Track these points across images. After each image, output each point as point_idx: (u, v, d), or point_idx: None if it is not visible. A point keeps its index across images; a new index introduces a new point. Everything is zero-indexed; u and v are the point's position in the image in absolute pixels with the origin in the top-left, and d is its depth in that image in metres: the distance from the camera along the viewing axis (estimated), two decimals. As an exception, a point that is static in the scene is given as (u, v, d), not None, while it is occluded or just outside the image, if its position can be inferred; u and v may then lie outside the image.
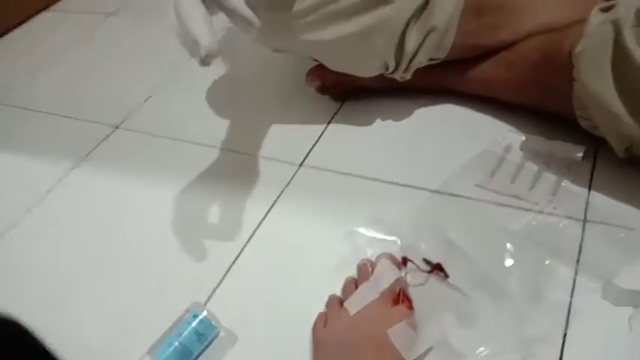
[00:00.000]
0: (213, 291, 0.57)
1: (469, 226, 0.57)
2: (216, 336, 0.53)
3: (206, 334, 0.52)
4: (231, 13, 0.46)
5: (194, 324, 0.51)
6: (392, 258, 0.51)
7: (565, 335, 0.46)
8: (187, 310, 0.53)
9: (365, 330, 0.46)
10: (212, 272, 0.59)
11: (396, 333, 0.44)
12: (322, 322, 0.49)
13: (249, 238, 0.61)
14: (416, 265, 0.52)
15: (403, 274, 0.49)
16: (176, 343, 0.50)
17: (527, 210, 0.57)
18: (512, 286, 0.50)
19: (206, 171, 0.71)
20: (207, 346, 0.52)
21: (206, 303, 0.56)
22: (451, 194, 0.60)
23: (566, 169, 0.60)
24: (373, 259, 0.52)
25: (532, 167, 0.61)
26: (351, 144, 0.70)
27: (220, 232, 0.64)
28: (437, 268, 0.52)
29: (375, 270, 0.50)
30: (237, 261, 0.60)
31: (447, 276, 0.51)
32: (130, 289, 0.60)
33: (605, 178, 0.58)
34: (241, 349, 0.52)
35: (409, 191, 0.62)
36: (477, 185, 0.61)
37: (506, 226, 0.56)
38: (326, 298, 0.52)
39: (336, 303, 0.51)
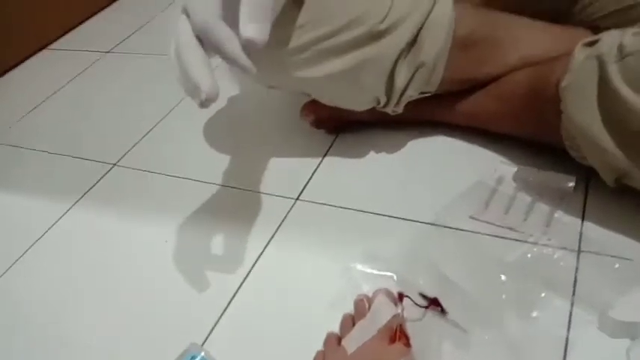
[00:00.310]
0: (211, 331, 0.57)
1: (464, 258, 0.57)
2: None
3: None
4: (231, 61, 0.47)
5: (192, 366, 0.51)
6: (388, 293, 0.51)
7: (563, 369, 0.46)
8: (185, 352, 0.53)
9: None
10: (209, 311, 0.59)
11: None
12: (320, 361, 0.49)
13: (246, 276, 0.62)
14: (412, 300, 0.52)
15: (400, 310, 0.49)
16: (174, 386, 0.50)
17: (521, 241, 0.57)
18: (509, 319, 0.51)
19: (203, 207, 0.72)
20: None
21: (203, 344, 0.56)
22: (445, 226, 0.61)
23: (558, 199, 0.60)
24: (370, 294, 0.52)
25: (525, 198, 0.61)
26: (346, 177, 0.71)
27: (217, 269, 0.64)
28: (433, 303, 0.52)
29: (372, 306, 0.50)
30: (235, 299, 0.60)
31: (444, 312, 0.51)
32: (124, 330, 0.59)
33: (598, 207, 0.58)
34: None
35: (404, 224, 0.62)
36: (470, 217, 0.61)
37: (501, 258, 0.56)
38: (323, 336, 0.52)
39: (334, 341, 0.51)
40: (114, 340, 0.59)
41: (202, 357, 0.52)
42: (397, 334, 0.47)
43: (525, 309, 0.51)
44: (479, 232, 0.59)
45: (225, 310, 0.59)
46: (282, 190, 0.71)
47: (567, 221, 0.58)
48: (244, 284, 0.61)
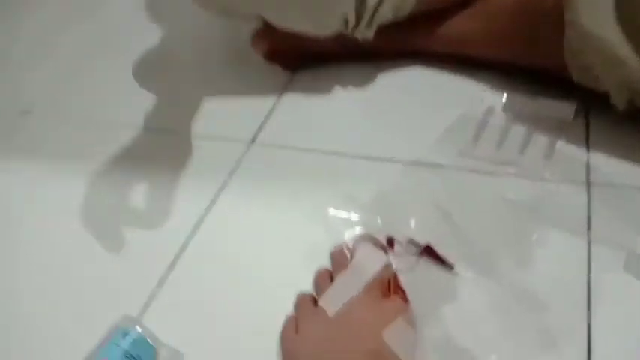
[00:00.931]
0: (149, 301, 0.45)
1: (457, 199, 0.48)
2: (154, 357, 0.41)
3: (141, 356, 0.40)
4: None
5: (124, 344, 0.39)
6: (374, 240, 0.42)
7: (589, 318, 0.38)
8: (115, 327, 0.40)
9: (351, 334, 0.35)
10: (147, 279, 0.47)
11: (394, 334, 0.34)
12: (292, 329, 0.39)
13: (192, 234, 0.50)
14: (404, 247, 0.42)
15: (391, 259, 0.40)
16: (101, 372, 0.38)
17: (520, 177, 0.49)
18: (517, 265, 0.42)
19: (139, 157, 0.59)
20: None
21: (140, 317, 0.44)
22: (432, 164, 0.51)
23: (557, 129, 0.52)
24: (350, 244, 0.42)
25: (519, 130, 0.53)
26: (310, 116, 0.60)
27: (156, 228, 0.52)
28: (427, 252, 0.43)
29: (355, 256, 0.40)
30: (178, 262, 0.48)
31: (442, 261, 0.42)
32: (42, 306, 0.46)
33: (603, 136, 0.51)
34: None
35: (383, 166, 0.52)
36: (460, 154, 0.52)
37: (500, 196, 0.47)
38: (293, 299, 0.41)
39: (309, 302, 0.40)
40: (26, 321, 0.45)
41: (138, 333, 0.40)
42: (391, 287, 0.38)
43: (535, 252, 0.43)
44: (472, 170, 0.50)
45: (166, 275, 0.47)
46: (233, 133, 0.59)
47: (570, 152, 0.50)
48: (190, 244, 0.49)
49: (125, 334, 0.39)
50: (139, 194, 0.55)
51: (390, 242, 0.41)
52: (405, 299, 0.37)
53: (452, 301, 0.40)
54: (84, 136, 0.64)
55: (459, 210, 0.46)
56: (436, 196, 0.48)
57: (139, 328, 0.40)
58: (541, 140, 0.52)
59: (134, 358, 0.39)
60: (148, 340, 0.41)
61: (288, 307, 0.41)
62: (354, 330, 0.35)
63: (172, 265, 0.47)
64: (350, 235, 0.44)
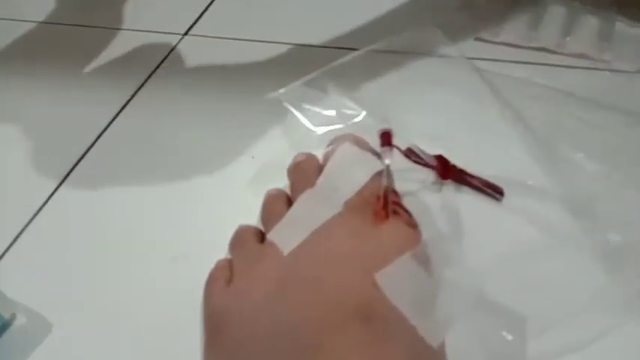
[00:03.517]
0: (6, 251, 0.29)
1: (474, 95, 0.32)
2: (6, 325, 0.26)
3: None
4: None
5: None
6: (358, 140, 0.26)
7: None
8: None
9: (319, 280, 0.20)
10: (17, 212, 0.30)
11: (395, 278, 0.19)
12: (222, 279, 0.23)
13: (92, 144, 0.33)
14: (403, 152, 0.26)
15: (387, 163, 0.24)
16: None
17: (569, 67, 0.34)
18: (569, 181, 0.27)
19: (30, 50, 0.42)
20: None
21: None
22: (429, 54, 0.35)
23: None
24: (319, 152, 0.27)
25: (558, 7, 0.38)
26: (257, 5, 0.44)
27: (53, 138, 0.35)
28: (441, 164, 0.27)
29: (329, 162, 0.25)
30: (58, 191, 0.31)
31: (462, 176, 0.26)
32: None
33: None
34: (60, 342, 0.25)
35: (362, 56, 0.36)
36: (477, 39, 0.37)
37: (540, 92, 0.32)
38: (228, 236, 0.26)
39: (252, 238, 0.24)
40: None
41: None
42: (386, 204, 0.22)
43: (595, 165, 0.28)
44: (496, 60, 0.35)
45: (33, 216, 0.30)
46: (164, 25, 0.43)
47: (636, 32, 0.35)
48: (82, 161, 0.33)
49: None
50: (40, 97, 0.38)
51: (386, 137, 0.25)
52: (411, 224, 0.22)
53: (484, 231, 0.25)
54: None
55: (470, 109, 0.31)
56: (440, 90, 0.32)
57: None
58: (590, 20, 0.37)
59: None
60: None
61: (221, 250, 0.26)
62: (325, 273, 0.20)
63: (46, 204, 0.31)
64: (322, 139, 0.27)
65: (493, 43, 0.36)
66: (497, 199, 0.26)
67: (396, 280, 0.19)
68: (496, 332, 0.20)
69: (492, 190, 0.26)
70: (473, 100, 0.30)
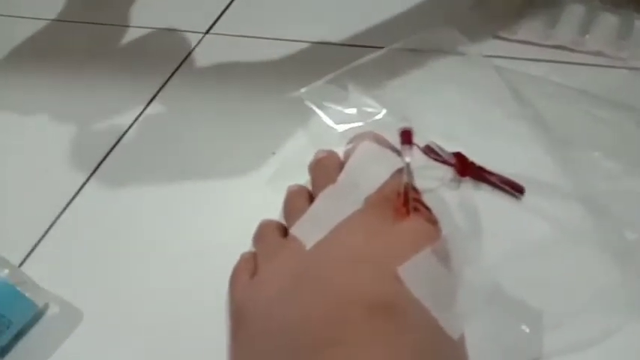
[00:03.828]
0: (38, 242, 0.30)
1: (494, 95, 0.33)
2: (39, 314, 0.27)
3: (6, 316, 0.25)
4: None
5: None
6: (378, 138, 0.27)
7: None
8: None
9: (340, 274, 0.21)
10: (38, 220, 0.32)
11: (417, 272, 0.19)
12: (246, 271, 0.24)
13: (117, 141, 0.34)
14: (422, 150, 0.27)
15: (407, 160, 0.24)
16: None
17: (588, 65, 0.34)
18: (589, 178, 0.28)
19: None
20: (22, 331, 0.26)
21: (22, 264, 0.29)
22: (447, 52, 0.36)
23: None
24: (341, 150, 0.27)
25: (576, 5, 0.38)
26: (278, 4, 0.44)
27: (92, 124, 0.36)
28: (460, 162, 0.28)
29: (349, 160, 0.25)
30: (87, 186, 0.33)
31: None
32: None
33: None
34: (91, 330, 0.26)
35: (376, 53, 0.37)
36: (496, 37, 0.37)
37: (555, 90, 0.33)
38: (252, 232, 0.27)
39: (275, 232, 0.25)
40: None
41: (5, 282, 0.25)
42: (408, 201, 0.23)
43: (611, 163, 0.28)
44: (514, 57, 0.35)
45: (63, 209, 0.32)
46: (187, 23, 0.44)
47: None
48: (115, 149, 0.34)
49: (-27, 278, 0.25)
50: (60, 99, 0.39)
51: (406, 135, 0.25)
52: (431, 221, 0.23)
53: (502, 228, 0.25)
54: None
55: (490, 108, 0.31)
56: (458, 88, 0.32)
57: (7, 272, 0.26)
58: (609, 17, 0.37)
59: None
60: (24, 293, 0.26)
61: (244, 246, 0.26)
62: (345, 268, 0.21)
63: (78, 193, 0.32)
64: (342, 137, 0.28)
65: (510, 41, 0.36)
66: (517, 197, 0.26)
67: (417, 274, 0.19)
68: (514, 325, 0.21)
69: (512, 188, 0.26)
70: (491, 98, 0.30)
